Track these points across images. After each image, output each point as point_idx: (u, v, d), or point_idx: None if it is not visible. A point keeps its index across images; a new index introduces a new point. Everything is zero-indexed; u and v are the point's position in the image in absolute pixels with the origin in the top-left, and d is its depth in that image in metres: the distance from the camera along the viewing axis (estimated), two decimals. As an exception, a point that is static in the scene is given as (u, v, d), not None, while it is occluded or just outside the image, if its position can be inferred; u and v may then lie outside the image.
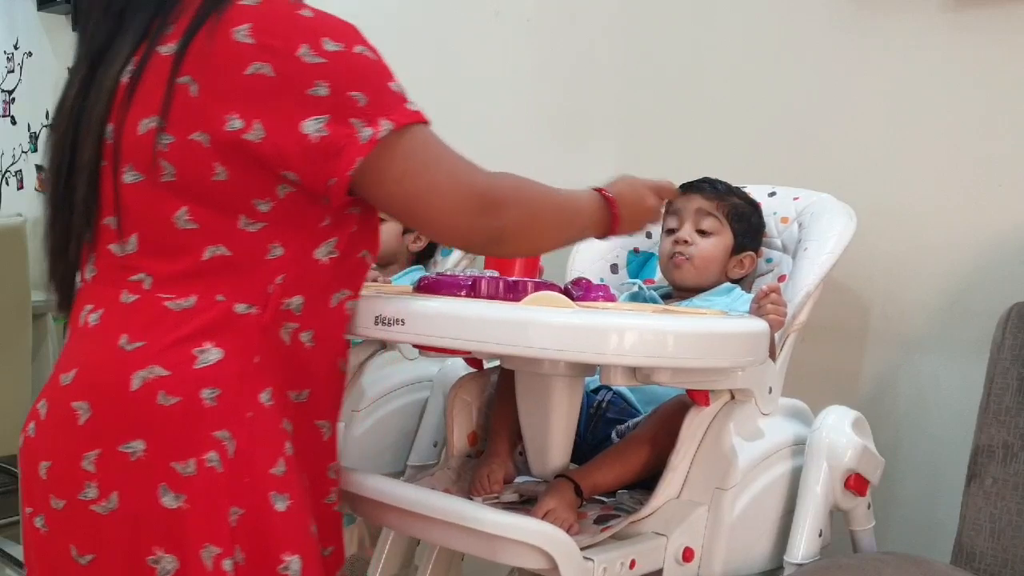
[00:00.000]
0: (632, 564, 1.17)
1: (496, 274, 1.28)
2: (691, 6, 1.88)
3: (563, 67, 2.09)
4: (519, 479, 1.36)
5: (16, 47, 3.77)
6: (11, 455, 2.38)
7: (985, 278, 1.54)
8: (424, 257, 1.99)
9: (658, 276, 1.68)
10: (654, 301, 1.51)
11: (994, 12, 1.51)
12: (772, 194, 1.62)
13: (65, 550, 1.00)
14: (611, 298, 1.23)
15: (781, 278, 1.54)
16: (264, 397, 1.00)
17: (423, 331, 1.08)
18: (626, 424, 1.41)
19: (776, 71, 1.76)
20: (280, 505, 0.99)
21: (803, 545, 1.31)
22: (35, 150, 3.74)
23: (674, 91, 1.91)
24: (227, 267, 1.00)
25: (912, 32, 1.60)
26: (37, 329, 2.75)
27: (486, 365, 1.49)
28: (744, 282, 1.58)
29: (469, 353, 1.38)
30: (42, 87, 3.67)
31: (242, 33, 0.95)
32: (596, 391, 1.47)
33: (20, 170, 3.82)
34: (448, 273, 1.24)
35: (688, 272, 1.53)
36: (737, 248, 1.55)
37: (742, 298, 1.48)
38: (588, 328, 1.02)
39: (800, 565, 1.29)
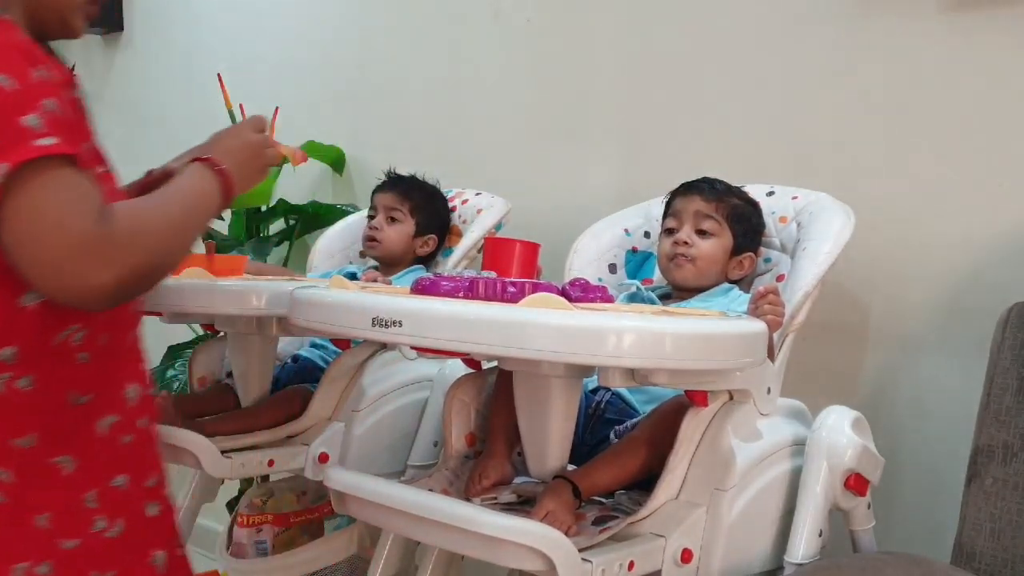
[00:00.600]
0: (631, 566, 1.17)
1: (494, 275, 1.27)
2: (691, 6, 1.88)
3: (563, 67, 2.09)
4: (517, 480, 1.36)
5: (17, 47, 3.77)
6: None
7: (985, 278, 1.54)
8: (428, 259, 1.99)
9: (656, 276, 1.68)
10: (652, 302, 1.51)
11: (994, 12, 1.51)
12: (770, 193, 1.62)
13: None
14: (609, 299, 1.23)
15: (779, 278, 1.54)
16: None
17: (420, 332, 1.08)
18: (624, 425, 1.41)
19: (776, 71, 1.76)
20: None
21: (803, 545, 1.31)
22: (36, 150, 3.73)
23: (674, 91, 1.91)
24: None
25: (912, 32, 1.60)
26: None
27: (484, 366, 1.49)
28: (743, 282, 1.58)
29: (467, 355, 1.38)
30: (43, 87, 3.66)
31: None
32: (595, 391, 1.46)
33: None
34: (446, 274, 1.24)
35: (689, 272, 1.53)
36: (737, 249, 1.55)
37: (740, 298, 1.48)
38: (586, 330, 1.02)
39: (800, 565, 1.29)
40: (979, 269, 1.54)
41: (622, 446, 1.34)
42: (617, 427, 1.42)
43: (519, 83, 2.17)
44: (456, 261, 1.91)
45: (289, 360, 1.90)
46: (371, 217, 1.99)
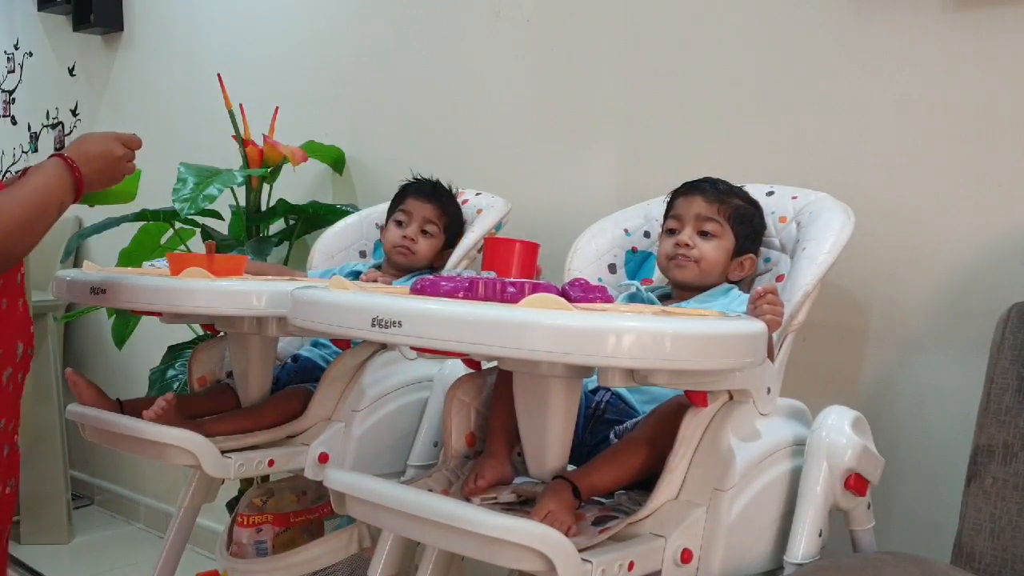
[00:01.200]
0: (631, 566, 1.17)
1: (494, 275, 1.27)
2: (691, 6, 1.88)
3: (563, 67, 2.09)
4: (517, 480, 1.36)
5: (16, 47, 3.77)
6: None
7: (985, 278, 1.53)
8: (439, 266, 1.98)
9: (656, 276, 1.68)
10: (651, 302, 1.51)
11: (994, 12, 1.51)
12: (770, 193, 1.62)
13: None
14: (609, 299, 1.23)
15: (779, 278, 1.54)
16: None
17: (420, 333, 1.08)
18: (624, 425, 1.41)
19: (776, 71, 1.76)
20: None
21: (803, 545, 1.30)
22: (35, 150, 3.74)
23: (674, 91, 1.91)
24: None
25: (912, 32, 1.60)
26: (38, 329, 2.75)
27: (484, 366, 1.49)
28: (743, 282, 1.58)
29: (467, 355, 1.38)
30: (42, 87, 3.67)
31: None
32: (594, 392, 1.47)
33: (20, 170, 3.82)
34: (446, 274, 1.24)
35: (691, 272, 1.53)
36: (738, 250, 1.55)
37: (740, 299, 1.48)
38: (585, 330, 1.01)
39: (800, 565, 1.29)
40: (979, 269, 1.54)
41: (622, 446, 1.34)
42: (617, 427, 1.42)
43: (519, 83, 2.17)
44: (456, 261, 1.91)
45: (289, 360, 1.90)
46: (400, 222, 1.93)
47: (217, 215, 2.46)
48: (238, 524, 1.86)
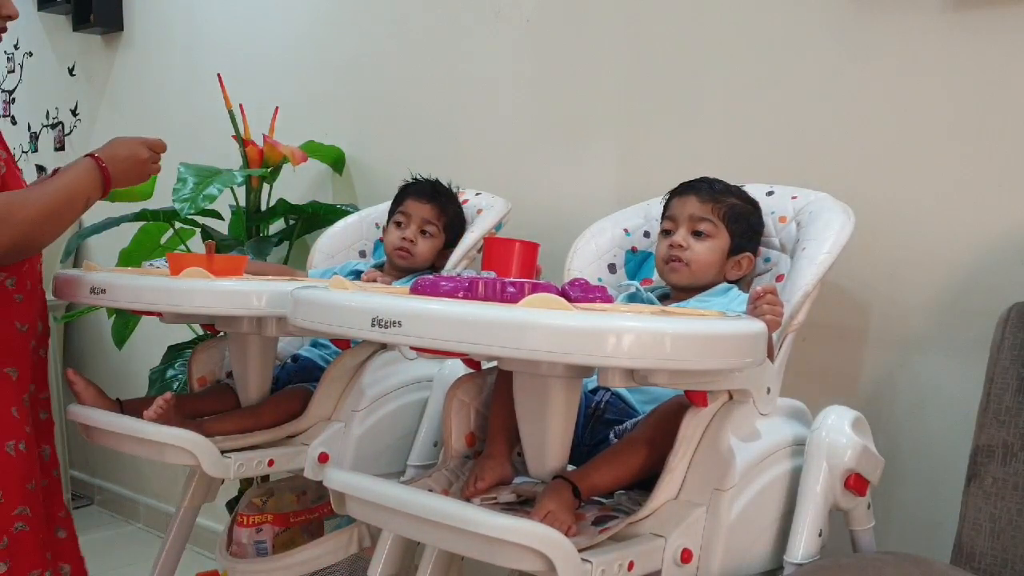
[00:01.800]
0: (631, 566, 1.17)
1: (494, 275, 1.27)
2: (691, 6, 1.88)
3: (563, 67, 2.09)
4: (517, 480, 1.36)
5: (16, 47, 3.77)
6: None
7: (985, 278, 1.53)
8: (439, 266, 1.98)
9: (656, 276, 1.68)
10: (651, 302, 1.51)
11: (994, 12, 1.51)
12: (770, 193, 1.62)
13: None
14: (608, 299, 1.23)
15: (779, 278, 1.54)
16: None
17: (420, 333, 1.08)
18: (624, 425, 1.41)
19: (776, 71, 1.76)
20: None
21: (803, 545, 1.30)
22: (35, 150, 3.74)
23: (674, 91, 1.91)
24: None
25: (912, 32, 1.59)
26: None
27: (484, 366, 1.49)
28: (742, 282, 1.58)
29: (466, 355, 1.38)
30: (42, 87, 3.67)
31: None
32: (595, 392, 1.46)
33: (20, 170, 3.82)
34: (446, 274, 1.24)
35: (683, 275, 1.53)
36: (734, 249, 1.54)
37: (739, 298, 1.48)
38: (585, 330, 1.02)
39: (800, 565, 1.29)
40: (979, 269, 1.54)
41: (622, 446, 1.34)
42: (617, 427, 1.42)
43: (519, 83, 2.17)
44: (456, 261, 1.91)
45: (289, 360, 1.90)
46: (399, 224, 1.93)
47: (217, 215, 2.46)
48: (238, 524, 1.86)
